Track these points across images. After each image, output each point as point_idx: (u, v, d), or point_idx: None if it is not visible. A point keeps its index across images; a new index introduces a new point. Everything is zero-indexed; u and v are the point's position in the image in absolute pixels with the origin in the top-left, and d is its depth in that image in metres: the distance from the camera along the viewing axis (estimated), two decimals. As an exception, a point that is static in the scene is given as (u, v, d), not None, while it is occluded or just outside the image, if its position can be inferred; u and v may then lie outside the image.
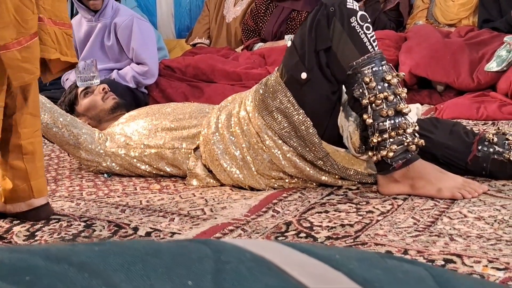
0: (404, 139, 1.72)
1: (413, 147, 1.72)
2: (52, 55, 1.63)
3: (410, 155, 1.73)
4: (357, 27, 1.74)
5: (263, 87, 1.89)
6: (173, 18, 5.01)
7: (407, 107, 1.74)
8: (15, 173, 1.66)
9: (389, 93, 1.72)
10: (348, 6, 1.76)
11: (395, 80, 1.74)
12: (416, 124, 1.76)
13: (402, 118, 1.73)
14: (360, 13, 1.76)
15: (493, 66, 3.01)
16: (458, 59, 3.13)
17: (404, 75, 1.82)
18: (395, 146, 1.71)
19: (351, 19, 1.74)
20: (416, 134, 1.74)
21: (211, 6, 4.76)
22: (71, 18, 3.97)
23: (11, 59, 1.51)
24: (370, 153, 1.76)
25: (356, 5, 1.79)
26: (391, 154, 1.71)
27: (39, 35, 1.57)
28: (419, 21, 4.00)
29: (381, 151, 1.72)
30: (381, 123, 1.72)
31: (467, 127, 2.20)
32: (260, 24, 4.36)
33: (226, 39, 4.63)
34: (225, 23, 4.68)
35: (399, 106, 1.72)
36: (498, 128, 1.96)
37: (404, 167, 1.72)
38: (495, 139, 1.82)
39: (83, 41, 3.45)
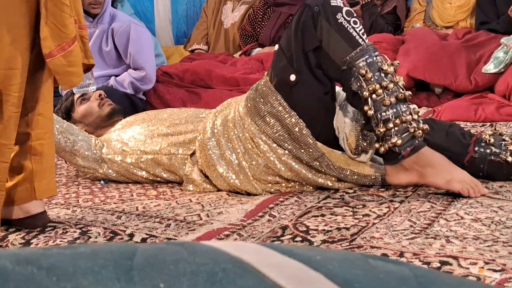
0: (409, 125, 1.70)
1: (419, 132, 1.70)
2: (91, 60, 1.67)
3: (417, 141, 1.71)
4: (344, 22, 1.74)
5: (253, 92, 1.89)
6: (171, 24, 5.02)
7: (407, 93, 1.73)
8: (21, 173, 1.66)
9: (388, 82, 1.71)
10: (332, 4, 1.76)
11: (391, 69, 1.73)
12: (418, 109, 1.75)
13: (404, 105, 1.72)
14: (345, 9, 1.76)
15: (490, 67, 3.00)
16: (456, 61, 3.13)
17: (398, 63, 1.81)
18: (401, 134, 1.70)
19: (337, 16, 1.74)
20: (420, 120, 1.72)
21: (209, 12, 4.77)
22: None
23: (57, 65, 1.56)
24: (376, 145, 1.74)
25: (340, 2, 1.78)
26: (399, 142, 1.69)
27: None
28: (417, 24, 4.00)
29: (388, 141, 1.71)
30: (383, 113, 1.71)
31: (465, 128, 2.20)
32: (258, 29, 4.36)
33: (224, 44, 4.64)
34: (223, 29, 4.69)
35: (399, 93, 1.71)
36: (495, 129, 1.95)
37: (413, 154, 1.70)
38: (492, 140, 1.81)
39: None
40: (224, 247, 0.45)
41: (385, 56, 1.78)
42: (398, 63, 1.80)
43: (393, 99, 1.70)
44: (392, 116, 1.70)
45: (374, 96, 1.71)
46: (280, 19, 4.27)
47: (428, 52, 3.21)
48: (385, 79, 1.71)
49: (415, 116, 1.71)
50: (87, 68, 1.73)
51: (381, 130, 1.71)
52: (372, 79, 1.70)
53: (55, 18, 1.53)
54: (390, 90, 1.71)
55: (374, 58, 1.73)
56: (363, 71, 1.71)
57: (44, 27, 1.53)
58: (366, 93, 1.71)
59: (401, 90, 1.72)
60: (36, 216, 1.69)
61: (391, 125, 1.69)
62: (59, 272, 0.36)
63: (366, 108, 1.72)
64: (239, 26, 4.55)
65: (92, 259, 0.38)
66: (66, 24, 1.55)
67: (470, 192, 1.67)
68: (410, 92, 1.75)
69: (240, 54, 4.40)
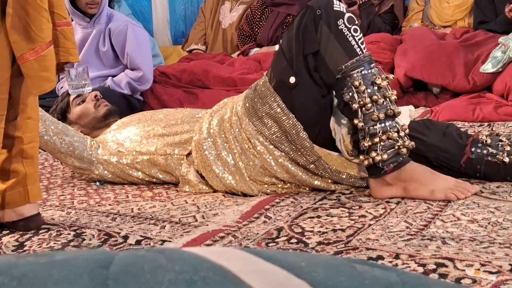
0: (395, 142, 1.70)
1: (404, 150, 1.71)
2: (77, 57, 1.65)
3: (401, 158, 1.71)
4: (345, 29, 1.73)
5: (252, 92, 1.88)
6: (169, 25, 5.01)
7: (397, 110, 1.72)
8: (13, 177, 1.65)
9: (379, 96, 1.71)
10: (335, 9, 1.74)
11: (385, 83, 1.72)
12: (406, 127, 1.75)
13: (393, 121, 1.72)
14: (347, 15, 1.75)
15: (488, 67, 2.99)
16: (454, 61, 3.12)
17: (393, 77, 1.81)
18: (386, 150, 1.70)
19: (338, 22, 1.73)
20: (407, 137, 1.73)
21: (207, 12, 4.76)
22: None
23: (29, 69, 1.53)
24: (361, 157, 1.74)
25: (343, 7, 1.77)
26: (383, 157, 1.69)
27: (60, 40, 1.58)
28: (415, 24, 3.99)
29: (372, 155, 1.71)
30: (371, 127, 1.71)
31: (462, 129, 2.19)
32: (256, 29, 4.36)
33: (222, 45, 4.63)
34: (221, 29, 4.68)
35: (389, 109, 1.71)
36: (492, 130, 1.94)
37: (396, 170, 1.71)
38: (489, 141, 1.80)
39: (78, 47, 3.44)
40: (207, 254, 0.44)
41: (381, 69, 1.77)
42: (393, 77, 1.79)
43: (382, 115, 1.70)
44: (379, 131, 1.70)
45: (363, 109, 1.70)
46: (278, 19, 4.26)
47: (426, 51, 3.20)
48: (376, 93, 1.71)
49: (402, 134, 1.71)
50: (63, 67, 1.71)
51: (367, 144, 1.70)
52: (364, 92, 1.70)
53: (32, 22, 1.50)
54: (380, 105, 1.70)
55: (369, 70, 1.72)
56: (357, 83, 1.70)
57: (12, 30, 1.49)
58: (356, 106, 1.71)
59: (391, 105, 1.71)
60: (30, 219, 1.69)
61: (377, 140, 1.70)
62: (30, 282, 0.35)
63: (356, 120, 1.72)
64: (237, 26, 4.54)
65: (66, 268, 0.37)
66: (43, 29, 1.53)
67: (458, 195, 1.67)
68: (400, 110, 1.74)
69: (238, 54, 4.39)
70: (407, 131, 1.73)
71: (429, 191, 1.69)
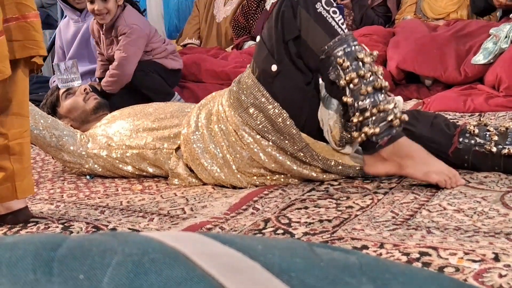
0: (387, 115, 1.69)
1: (397, 121, 1.69)
2: (45, 51, 1.62)
3: (394, 131, 1.70)
4: (324, 12, 1.72)
5: (236, 85, 1.88)
6: (163, 19, 5.00)
7: (385, 83, 1.72)
8: (0, 173, 1.64)
9: (365, 71, 1.70)
10: None
11: (369, 59, 1.72)
12: (397, 100, 1.74)
13: (382, 94, 1.71)
14: None
15: (480, 58, 2.99)
16: (445, 53, 3.12)
17: (377, 53, 1.80)
18: (378, 123, 1.69)
19: (316, 5, 1.73)
20: (398, 109, 1.72)
21: (201, 6, 4.75)
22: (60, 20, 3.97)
23: None
24: (355, 134, 1.73)
25: None
26: (376, 131, 1.68)
27: (31, 33, 1.56)
28: (408, 16, 3.98)
29: (365, 130, 1.70)
30: (361, 102, 1.70)
31: (453, 119, 2.19)
32: (251, 21, 4.35)
33: (216, 39, 4.62)
34: (215, 23, 4.67)
35: (377, 82, 1.70)
36: (480, 120, 1.94)
37: (390, 144, 1.69)
38: (476, 131, 1.80)
39: (70, 41, 3.45)
40: (160, 237, 0.44)
41: (364, 46, 1.77)
42: (377, 53, 1.78)
43: (370, 89, 1.69)
44: (369, 106, 1.69)
45: (351, 85, 1.70)
46: (271, 10, 4.25)
47: (417, 44, 3.20)
48: (362, 68, 1.70)
49: (392, 106, 1.70)
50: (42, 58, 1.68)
51: (358, 119, 1.70)
52: (349, 68, 1.69)
53: None
54: (367, 80, 1.70)
55: (353, 47, 1.72)
56: (341, 60, 1.70)
57: None
58: (343, 82, 1.70)
59: (379, 79, 1.71)
60: (18, 212, 1.68)
61: (368, 114, 1.68)
62: (-29, 263, 0.35)
63: (344, 98, 1.71)
64: (231, 20, 4.53)
65: (11, 250, 0.37)
66: None
67: (447, 183, 1.67)
68: (387, 83, 1.73)
69: (232, 48, 4.38)
70: (398, 103, 1.73)
71: (424, 171, 1.68)
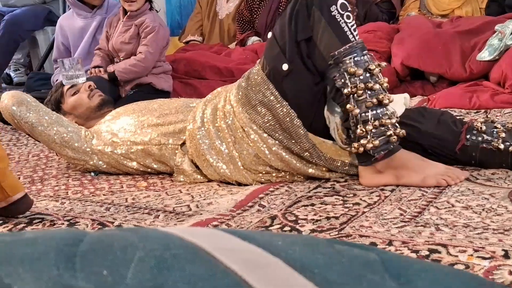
0: (386, 130, 1.70)
1: (394, 138, 1.70)
2: None
3: (392, 146, 1.71)
4: (338, 16, 1.72)
5: (245, 81, 1.87)
6: (165, 15, 4.99)
7: (388, 97, 1.72)
8: None
9: (372, 83, 1.70)
10: None
11: (377, 70, 1.72)
12: (397, 114, 1.74)
13: (384, 108, 1.71)
14: (340, 1, 1.73)
15: (485, 55, 2.98)
16: (450, 49, 3.11)
17: (385, 64, 1.80)
18: (378, 137, 1.69)
19: (331, 8, 1.72)
20: (397, 125, 1.72)
21: (203, 3, 4.74)
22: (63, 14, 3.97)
23: None
24: (354, 145, 1.73)
25: None
26: (374, 143, 1.69)
27: None
28: (412, 12, 3.97)
29: (364, 142, 1.70)
30: (363, 114, 1.70)
31: (458, 116, 2.18)
32: (255, 15, 4.33)
33: (219, 35, 4.60)
34: (218, 19, 4.66)
35: (381, 96, 1.70)
36: (487, 116, 1.93)
37: (386, 158, 1.70)
38: (484, 128, 1.79)
39: (77, 36, 3.46)
40: (180, 232, 0.44)
41: (373, 56, 1.76)
42: (385, 65, 1.78)
43: (374, 101, 1.69)
44: (371, 118, 1.69)
45: (356, 95, 1.69)
46: (274, 4, 4.24)
47: (422, 40, 3.19)
48: (370, 80, 1.70)
49: (393, 121, 1.70)
50: None
51: (359, 130, 1.69)
52: (357, 78, 1.69)
53: None
54: (373, 92, 1.69)
55: (362, 57, 1.71)
56: (350, 69, 1.69)
57: None
58: (347, 91, 1.69)
59: (383, 93, 1.70)
60: (18, 202, 1.67)
61: (370, 127, 1.69)
62: (-7, 259, 0.34)
63: (349, 106, 1.70)
64: (234, 17, 4.52)
65: (32, 246, 0.36)
66: None
67: (448, 181, 1.66)
68: (392, 98, 1.73)
69: (236, 43, 4.37)
70: (398, 119, 1.73)
71: (421, 177, 1.69)
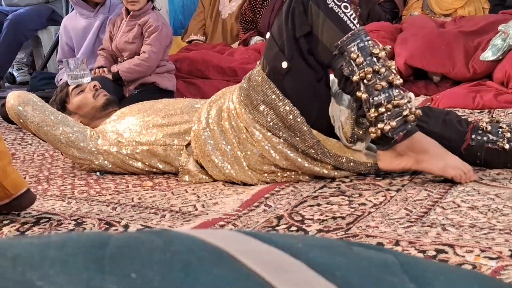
0: (402, 110, 1.68)
1: (412, 116, 1.69)
2: None
3: (409, 126, 1.69)
4: (335, 7, 1.72)
5: (246, 82, 1.87)
6: (168, 15, 5.00)
7: (398, 78, 1.71)
8: None
9: (380, 66, 1.69)
10: None
11: (383, 53, 1.71)
12: (411, 95, 1.74)
13: (396, 89, 1.70)
14: None
15: (488, 55, 2.98)
16: (454, 49, 3.11)
17: (390, 48, 1.80)
18: (394, 118, 1.68)
19: (327, 1, 1.72)
20: (413, 104, 1.71)
21: (206, 2, 4.75)
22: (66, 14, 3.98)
23: None
24: (370, 130, 1.72)
25: None
26: (392, 124, 1.67)
27: None
28: (415, 12, 3.97)
29: (380, 126, 1.69)
30: (375, 97, 1.69)
31: (462, 116, 2.18)
32: (258, 15, 4.34)
33: (222, 35, 4.61)
34: (220, 19, 4.66)
35: (391, 77, 1.70)
36: (492, 117, 1.94)
37: (406, 139, 1.69)
38: (489, 128, 1.80)
39: (81, 36, 3.47)
40: (202, 235, 0.44)
41: (376, 41, 1.76)
42: (390, 48, 1.78)
43: (384, 83, 1.68)
44: (384, 101, 1.68)
45: (365, 80, 1.69)
46: (276, 4, 4.25)
47: (426, 40, 3.19)
48: (377, 63, 1.69)
49: (407, 100, 1.69)
50: None
51: (373, 114, 1.69)
52: (363, 64, 1.69)
53: None
54: (382, 75, 1.69)
55: (366, 42, 1.71)
56: (355, 56, 1.69)
57: None
58: (357, 78, 1.69)
59: (392, 74, 1.70)
60: (21, 197, 1.67)
61: (383, 109, 1.68)
62: (24, 262, 0.35)
63: (358, 93, 1.70)
64: (236, 16, 4.52)
65: (61, 248, 0.37)
66: None
67: (462, 178, 1.67)
68: (401, 80, 1.73)
69: (239, 43, 4.38)
70: (412, 98, 1.72)
71: (441, 166, 1.68)
